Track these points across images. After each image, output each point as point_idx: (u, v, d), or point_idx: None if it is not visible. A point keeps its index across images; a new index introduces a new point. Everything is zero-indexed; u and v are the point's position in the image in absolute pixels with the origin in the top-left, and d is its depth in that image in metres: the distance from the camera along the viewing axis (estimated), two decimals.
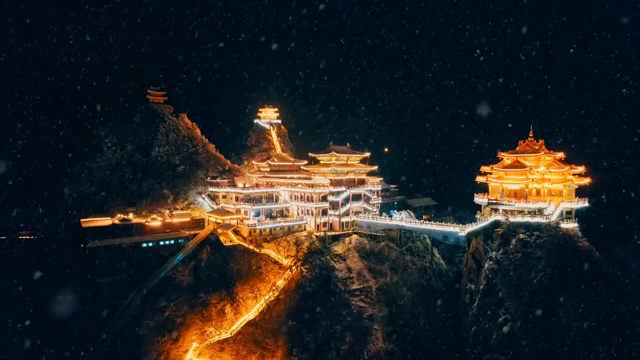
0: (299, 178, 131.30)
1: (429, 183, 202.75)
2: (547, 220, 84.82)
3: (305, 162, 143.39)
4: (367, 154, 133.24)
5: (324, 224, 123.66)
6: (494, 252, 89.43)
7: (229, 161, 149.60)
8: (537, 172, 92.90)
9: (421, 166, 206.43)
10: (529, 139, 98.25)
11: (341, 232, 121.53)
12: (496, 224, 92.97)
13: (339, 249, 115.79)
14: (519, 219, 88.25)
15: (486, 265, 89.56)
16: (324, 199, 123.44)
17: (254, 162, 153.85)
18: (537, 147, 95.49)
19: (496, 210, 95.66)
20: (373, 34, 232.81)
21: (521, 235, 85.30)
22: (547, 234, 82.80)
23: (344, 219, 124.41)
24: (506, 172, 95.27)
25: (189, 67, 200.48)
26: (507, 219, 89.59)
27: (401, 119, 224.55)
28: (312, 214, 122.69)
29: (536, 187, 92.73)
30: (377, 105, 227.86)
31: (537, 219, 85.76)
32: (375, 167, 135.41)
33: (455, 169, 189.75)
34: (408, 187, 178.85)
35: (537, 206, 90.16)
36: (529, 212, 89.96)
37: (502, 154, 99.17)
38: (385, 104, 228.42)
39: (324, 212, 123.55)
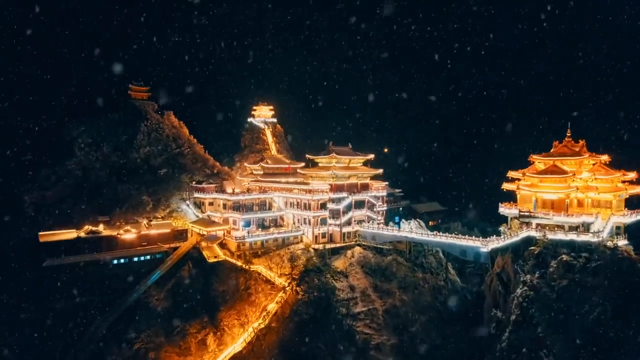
0: (296, 182, 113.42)
1: (432, 185, 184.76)
2: (598, 239, 66.72)
3: (302, 164, 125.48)
4: (371, 156, 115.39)
5: (323, 235, 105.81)
6: (528, 276, 71.69)
7: (218, 164, 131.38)
8: (580, 179, 75.04)
9: (426, 167, 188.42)
10: (566, 139, 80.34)
11: (342, 244, 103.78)
12: (528, 240, 75.18)
13: (340, 264, 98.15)
14: (560, 236, 70.36)
15: (519, 291, 71.73)
16: (323, 206, 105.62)
17: (246, 164, 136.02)
18: (577, 149, 77.81)
19: (528, 224, 77.73)
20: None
21: (564, 257, 67.47)
22: (600, 257, 64.86)
23: (345, 229, 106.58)
24: (541, 178, 77.19)
25: (177, 60, 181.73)
26: (544, 236, 71.61)
27: (404, 114, 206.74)
28: (309, 224, 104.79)
29: (578, 197, 74.93)
30: (379, 98, 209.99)
31: (584, 237, 67.67)
32: (380, 171, 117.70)
33: (467, 170, 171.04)
34: (411, 190, 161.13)
35: (581, 220, 72.41)
36: (571, 228, 72.12)
37: (534, 157, 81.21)
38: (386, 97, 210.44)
39: (323, 222, 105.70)
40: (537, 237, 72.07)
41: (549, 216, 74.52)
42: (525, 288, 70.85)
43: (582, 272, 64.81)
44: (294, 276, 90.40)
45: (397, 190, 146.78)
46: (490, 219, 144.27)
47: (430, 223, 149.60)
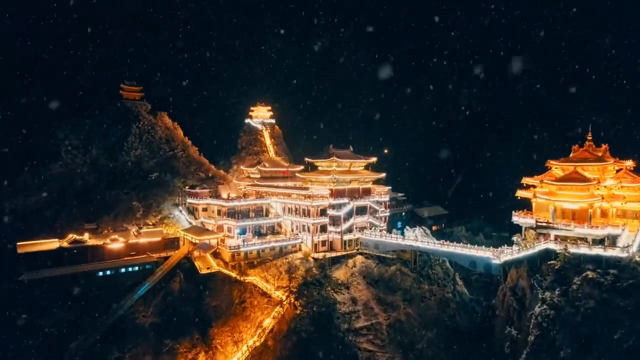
0: (294, 187, 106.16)
1: (435, 188, 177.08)
2: (628, 254, 59.31)
3: (301, 167, 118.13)
4: (373, 159, 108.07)
5: (323, 243, 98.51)
6: (548, 293, 64.44)
7: (213, 167, 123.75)
8: (605, 186, 67.73)
9: (429, 169, 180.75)
10: (587, 143, 72.91)
11: (343, 253, 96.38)
12: (547, 253, 67.80)
13: (340, 274, 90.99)
14: (583, 250, 62.95)
15: (537, 309, 64.48)
16: (323, 212, 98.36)
17: (242, 167, 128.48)
18: (600, 154, 70.44)
19: (545, 235, 70.39)
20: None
21: (590, 274, 60.16)
22: (631, 274, 57.51)
23: (346, 237, 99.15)
24: (560, 186, 69.73)
25: (171, 59, 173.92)
26: (565, 249, 64.24)
27: (406, 115, 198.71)
28: (308, 231, 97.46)
29: (602, 207, 67.62)
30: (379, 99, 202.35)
31: (613, 252, 60.20)
32: (383, 175, 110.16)
33: (473, 172, 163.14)
34: (412, 193, 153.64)
35: (606, 232, 65.05)
36: (595, 241, 64.80)
37: (552, 162, 73.70)
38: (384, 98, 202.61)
39: (323, 229, 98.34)
40: (558, 251, 64.69)
41: (570, 227, 67.01)
42: (545, 306, 63.60)
43: (611, 291, 57.52)
44: (292, 289, 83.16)
45: (400, 194, 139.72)
46: (496, 224, 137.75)
47: (434, 228, 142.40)
